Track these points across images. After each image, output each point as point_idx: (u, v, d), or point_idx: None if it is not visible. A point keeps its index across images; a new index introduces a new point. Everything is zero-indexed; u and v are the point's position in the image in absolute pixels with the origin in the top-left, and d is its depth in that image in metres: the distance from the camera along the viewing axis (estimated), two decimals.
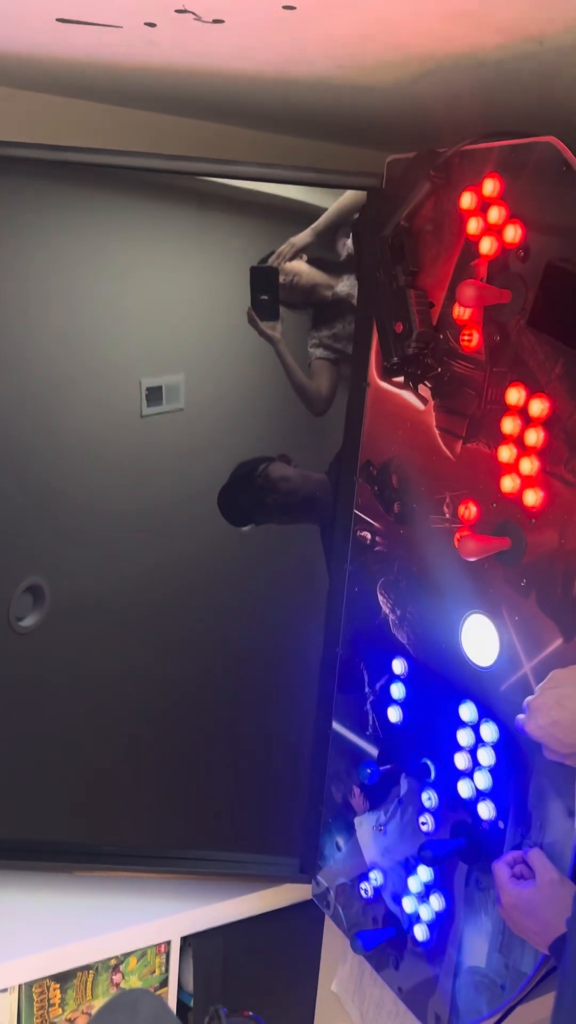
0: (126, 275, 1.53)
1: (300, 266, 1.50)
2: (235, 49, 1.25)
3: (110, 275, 1.52)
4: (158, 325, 1.55)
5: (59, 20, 1.17)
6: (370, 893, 1.50)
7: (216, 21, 1.12)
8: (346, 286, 1.52)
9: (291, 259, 1.50)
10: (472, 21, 1.06)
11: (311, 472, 1.63)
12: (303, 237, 1.51)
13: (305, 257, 1.50)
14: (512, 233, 1.16)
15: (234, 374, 1.58)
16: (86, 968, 1.66)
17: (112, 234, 1.51)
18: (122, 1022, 0.98)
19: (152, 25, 1.16)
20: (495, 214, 1.18)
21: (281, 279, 1.49)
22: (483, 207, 1.20)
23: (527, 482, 1.16)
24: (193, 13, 1.10)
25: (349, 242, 1.49)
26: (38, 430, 1.55)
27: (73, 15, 1.15)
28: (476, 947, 1.29)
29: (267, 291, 1.48)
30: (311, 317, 1.54)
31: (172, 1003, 1.77)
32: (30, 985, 1.61)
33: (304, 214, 1.50)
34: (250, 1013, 1.17)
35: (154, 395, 1.55)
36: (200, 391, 1.57)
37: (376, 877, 1.49)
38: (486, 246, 1.19)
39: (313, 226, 1.50)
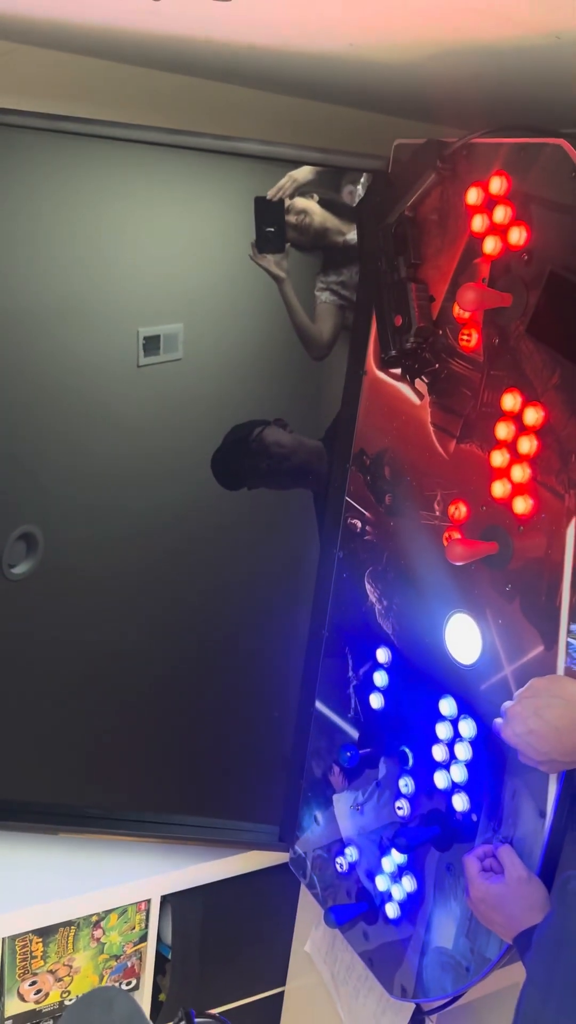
0: (125, 222, 1.50)
1: (311, 205, 1.45)
2: (241, 23, 1.20)
3: (108, 222, 1.49)
4: (157, 273, 1.53)
5: None
6: (345, 868, 1.54)
7: None
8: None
9: (293, 195, 1.45)
10: (489, 14, 1.02)
11: (306, 439, 1.62)
12: (304, 173, 1.45)
13: (316, 197, 1.46)
14: (517, 235, 1.13)
15: (234, 325, 1.56)
16: (68, 924, 1.71)
17: (110, 180, 1.47)
18: (96, 1016, 1.02)
19: None
20: (501, 213, 1.15)
21: (293, 218, 1.45)
22: (489, 204, 1.17)
23: (518, 489, 1.16)
24: None
25: (358, 188, 1.45)
26: (34, 378, 1.54)
27: None
28: (444, 929, 1.34)
29: (272, 223, 1.44)
30: (321, 260, 1.50)
31: (151, 956, 1.84)
32: (13, 938, 1.67)
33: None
34: (218, 1014, 1.22)
35: (151, 344, 1.54)
36: (199, 341, 1.55)
37: (351, 853, 1.53)
38: (490, 246, 1.17)
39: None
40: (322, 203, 1.46)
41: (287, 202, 1.44)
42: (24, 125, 1.37)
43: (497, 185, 1.15)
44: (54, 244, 1.48)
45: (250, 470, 1.62)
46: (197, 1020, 1.14)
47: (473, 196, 1.18)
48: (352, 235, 1.47)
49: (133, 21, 1.25)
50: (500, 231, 1.16)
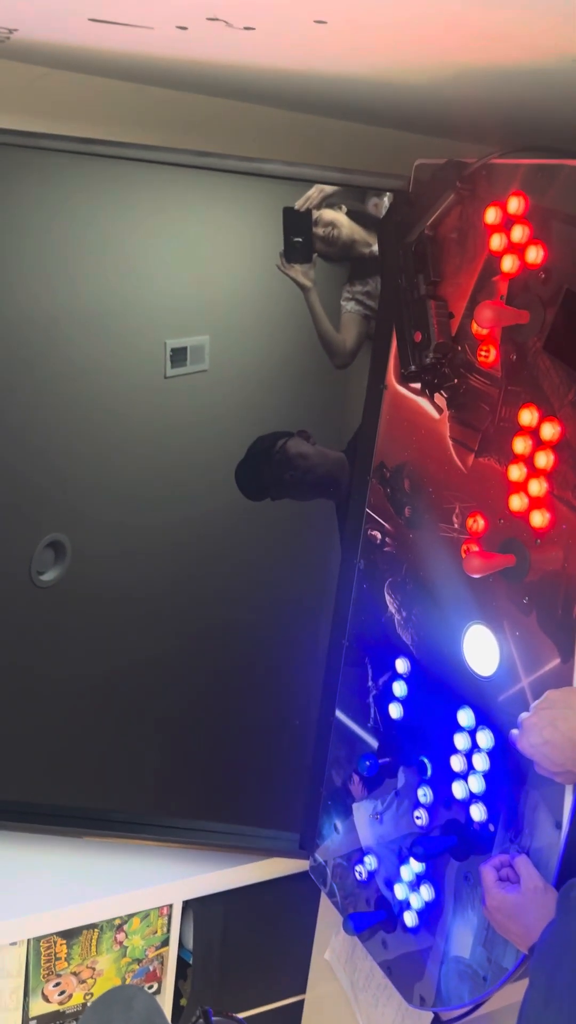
0: (154, 239, 1.54)
1: (340, 217, 1.48)
2: (264, 51, 1.24)
3: (138, 239, 1.53)
4: (185, 288, 1.57)
5: (91, 20, 1.17)
6: (364, 876, 1.56)
7: (247, 28, 1.12)
8: None
9: (320, 206, 1.47)
10: (509, 40, 1.05)
11: (329, 450, 1.64)
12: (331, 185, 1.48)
13: (345, 208, 1.48)
14: (534, 254, 1.15)
15: (259, 337, 1.59)
16: (91, 926, 1.74)
17: (140, 200, 1.52)
18: (117, 1014, 1.05)
19: (184, 28, 1.15)
20: (518, 233, 1.17)
21: (321, 230, 1.48)
22: (507, 224, 1.20)
23: (535, 503, 1.18)
24: (224, 21, 1.09)
25: (384, 199, 1.47)
26: (64, 389, 1.58)
27: (105, 16, 1.15)
28: (462, 938, 1.35)
29: (300, 234, 1.47)
30: (347, 271, 1.53)
31: (172, 960, 1.86)
32: (38, 940, 1.70)
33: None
34: (235, 1015, 1.24)
35: (179, 356, 1.57)
36: (225, 353, 1.58)
37: (370, 861, 1.55)
38: (508, 264, 1.19)
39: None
40: (350, 215, 1.49)
41: (315, 213, 1.47)
42: (59, 148, 1.41)
43: (515, 205, 1.18)
44: (86, 261, 1.53)
45: (274, 481, 1.65)
46: (214, 1018, 1.16)
47: (491, 216, 1.21)
48: (378, 247, 1.50)
49: (162, 47, 1.29)
50: (518, 250, 1.18)
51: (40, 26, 1.26)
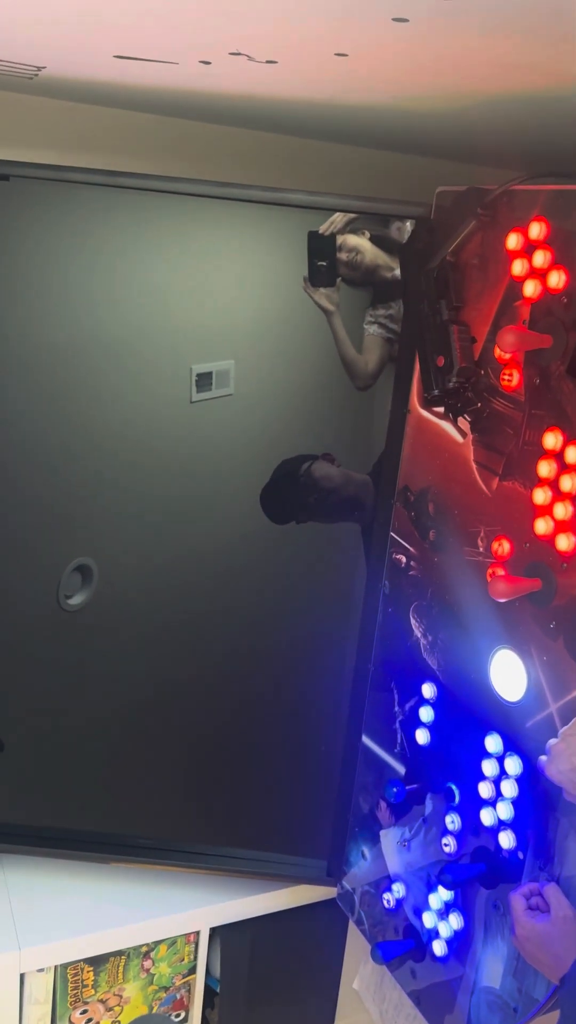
0: (179, 267, 1.56)
1: (363, 243, 1.49)
2: (287, 83, 1.26)
3: (164, 268, 1.56)
4: (210, 313, 1.59)
5: (116, 56, 1.20)
6: (392, 904, 1.54)
7: (269, 62, 1.14)
8: None
9: (344, 230, 1.49)
10: (529, 68, 1.06)
11: (354, 472, 1.65)
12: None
13: (368, 234, 1.50)
14: (556, 279, 1.16)
15: (283, 361, 1.61)
16: (119, 953, 1.74)
17: (164, 230, 1.54)
18: None
19: (207, 63, 1.17)
20: (540, 258, 1.18)
21: (344, 255, 1.49)
22: (528, 249, 1.20)
23: (560, 527, 1.17)
24: (247, 55, 1.11)
25: (407, 224, 1.48)
26: (90, 414, 1.60)
27: (130, 52, 1.17)
28: (492, 968, 1.33)
29: (324, 257, 1.48)
30: (370, 295, 1.54)
31: (200, 988, 1.85)
32: (65, 967, 1.69)
33: None
34: None
35: (204, 381, 1.59)
36: (250, 377, 1.60)
37: (398, 889, 1.53)
38: (530, 289, 1.20)
39: None
40: (373, 239, 1.50)
41: (339, 239, 1.49)
42: (85, 181, 1.44)
43: (536, 230, 1.18)
44: (113, 290, 1.56)
45: (299, 504, 1.65)
46: None
47: (513, 241, 1.21)
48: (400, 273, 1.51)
49: (186, 80, 1.32)
50: (540, 275, 1.19)
51: (67, 63, 1.29)
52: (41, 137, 1.63)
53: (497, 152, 1.61)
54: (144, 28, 1.03)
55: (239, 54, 1.10)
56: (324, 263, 1.48)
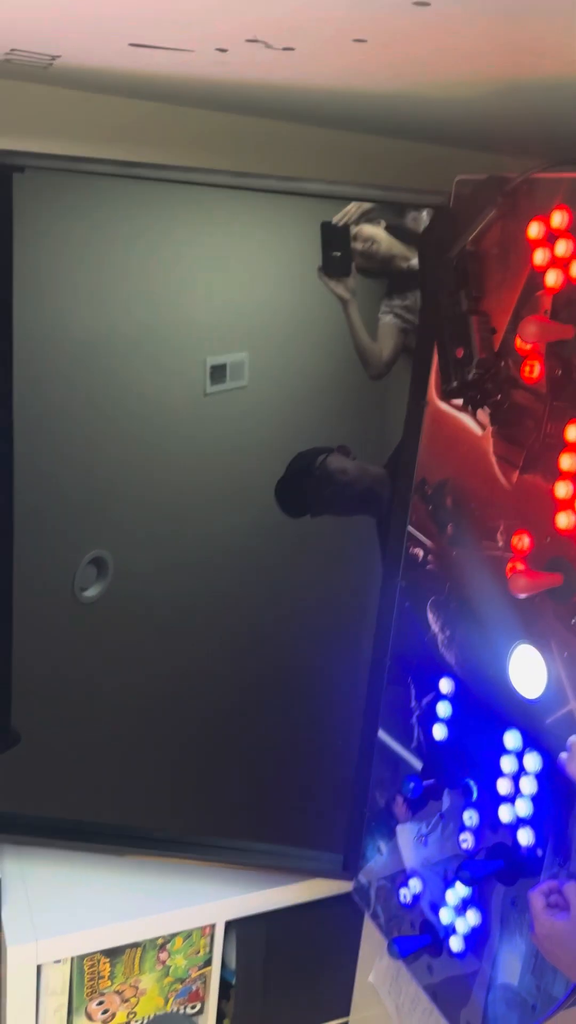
0: (193, 259, 1.56)
1: (379, 233, 1.48)
2: (304, 70, 1.24)
3: (177, 259, 1.55)
4: (224, 305, 1.58)
5: (132, 45, 1.18)
6: (409, 899, 1.54)
7: (286, 49, 1.12)
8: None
9: (358, 221, 1.47)
10: (547, 55, 1.04)
11: (370, 465, 1.64)
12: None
13: (383, 223, 1.48)
14: None
15: (298, 353, 1.60)
16: (135, 945, 1.74)
17: (179, 220, 1.53)
18: None
19: (223, 50, 1.16)
20: (562, 247, 1.16)
21: (360, 245, 1.47)
22: (550, 238, 1.18)
23: None
24: (264, 42, 1.09)
25: (423, 214, 1.46)
26: (107, 407, 1.60)
27: (146, 40, 1.16)
28: (510, 965, 1.32)
29: (338, 248, 1.47)
30: (386, 286, 1.53)
31: (215, 980, 1.85)
32: (82, 958, 1.70)
33: None
34: None
35: (218, 373, 1.58)
36: (264, 369, 1.59)
37: (415, 884, 1.52)
38: (551, 279, 1.17)
39: None
40: (388, 229, 1.49)
41: (354, 228, 1.47)
42: (100, 172, 1.43)
43: (558, 219, 1.16)
44: (128, 282, 1.55)
45: (314, 497, 1.64)
46: None
47: (534, 230, 1.19)
48: (417, 261, 1.49)
49: (202, 69, 1.30)
50: (562, 264, 1.16)
51: (82, 52, 1.27)
52: (56, 127, 1.62)
53: (518, 140, 1.59)
54: (160, 16, 1.01)
55: (256, 41, 1.09)
56: (339, 253, 1.47)
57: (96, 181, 1.46)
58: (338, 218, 1.47)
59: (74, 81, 1.52)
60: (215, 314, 1.58)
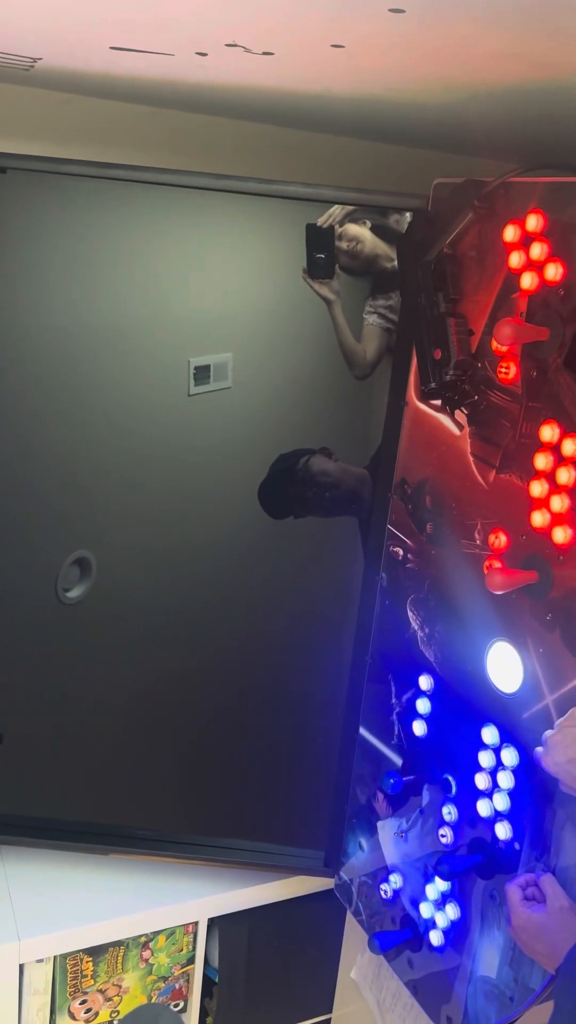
0: (176, 260, 1.56)
1: (364, 233, 1.49)
2: (283, 75, 1.25)
3: (161, 260, 1.56)
4: (207, 306, 1.58)
5: (112, 48, 1.19)
6: (389, 894, 1.55)
7: (265, 53, 1.13)
8: None
9: (343, 222, 1.49)
10: (523, 59, 1.06)
11: (351, 466, 1.65)
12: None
13: (368, 224, 1.49)
14: (553, 271, 1.16)
15: (281, 354, 1.61)
16: (117, 944, 1.75)
17: (162, 222, 1.54)
18: None
19: (203, 55, 1.17)
20: (537, 250, 1.18)
21: (344, 244, 1.49)
22: (526, 242, 1.20)
23: (557, 519, 1.18)
24: (243, 47, 1.11)
25: (405, 216, 1.48)
26: (91, 408, 1.60)
27: (125, 44, 1.17)
28: (488, 958, 1.34)
29: (322, 250, 1.48)
30: (370, 285, 1.54)
31: (198, 978, 1.86)
32: (64, 957, 1.70)
33: None
34: None
35: (202, 374, 1.59)
36: (247, 370, 1.59)
37: (396, 880, 1.54)
38: (527, 281, 1.20)
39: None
40: (373, 229, 1.50)
41: (339, 229, 1.49)
42: (81, 174, 1.44)
43: (533, 223, 1.18)
44: (111, 284, 1.55)
45: (297, 499, 1.65)
46: None
47: (510, 233, 1.21)
48: (397, 265, 1.51)
49: (183, 72, 1.31)
50: (537, 267, 1.18)
51: (63, 54, 1.28)
52: (37, 129, 1.62)
53: (495, 144, 1.61)
54: (140, 19, 1.02)
55: (235, 45, 1.10)
56: (323, 255, 1.48)
57: (78, 182, 1.47)
58: (323, 220, 1.48)
59: (56, 83, 1.53)
60: (198, 315, 1.59)
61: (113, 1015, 1.79)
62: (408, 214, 1.46)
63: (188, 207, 1.53)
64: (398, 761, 1.54)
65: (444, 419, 1.40)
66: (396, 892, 1.54)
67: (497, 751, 1.31)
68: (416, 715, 1.48)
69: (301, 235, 1.50)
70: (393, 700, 1.55)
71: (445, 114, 1.41)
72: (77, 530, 1.66)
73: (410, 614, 1.50)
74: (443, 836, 1.41)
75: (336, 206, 1.48)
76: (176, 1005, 1.86)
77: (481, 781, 1.33)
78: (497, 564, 1.27)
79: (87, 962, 1.73)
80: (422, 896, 1.47)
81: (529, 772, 1.26)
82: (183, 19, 1.00)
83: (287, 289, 1.54)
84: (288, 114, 1.61)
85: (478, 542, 1.33)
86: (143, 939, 1.77)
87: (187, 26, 1.03)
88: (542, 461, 1.19)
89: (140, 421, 1.61)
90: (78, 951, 1.71)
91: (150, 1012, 1.14)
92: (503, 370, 1.26)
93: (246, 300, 1.58)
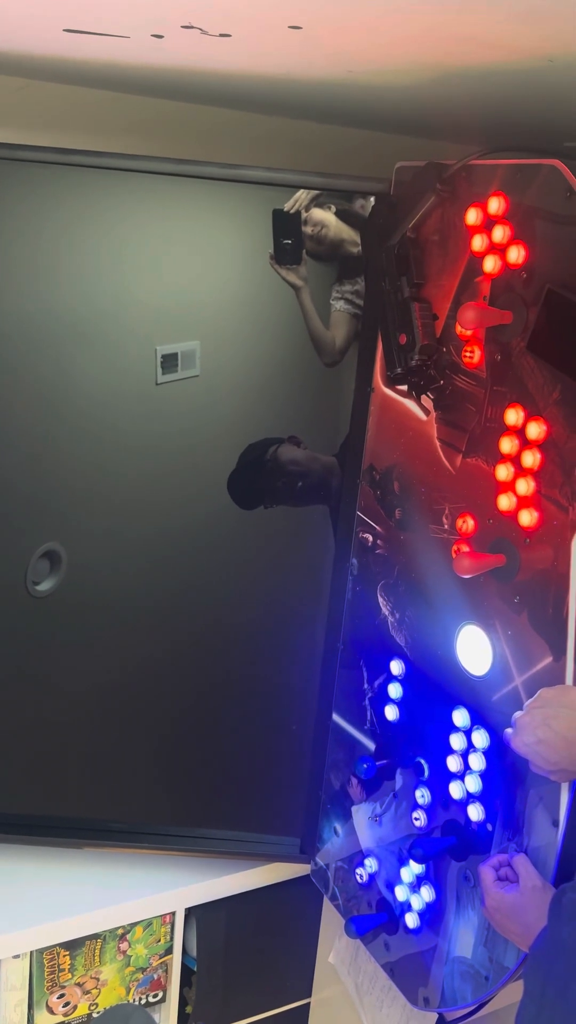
0: (140, 247, 1.54)
1: (328, 217, 1.48)
2: (241, 57, 1.24)
3: (124, 247, 1.54)
4: (174, 294, 1.57)
5: (66, 30, 1.17)
6: (365, 878, 1.56)
7: (223, 35, 1.12)
8: None
9: (309, 207, 1.47)
10: (484, 42, 1.05)
11: (320, 455, 1.64)
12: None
13: (333, 208, 1.49)
14: (515, 254, 1.16)
15: (249, 341, 1.59)
16: (94, 937, 1.74)
17: (124, 208, 1.52)
18: None
19: (160, 37, 1.15)
20: (499, 233, 1.18)
21: (310, 229, 1.48)
22: (488, 225, 1.20)
23: (523, 502, 1.18)
24: (200, 28, 1.09)
25: (369, 200, 1.47)
26: (56, 398, 1.58)
27: (80, 26, 1.15)
28: (463, 938, 1.35)
29: (289, 235, 1.47)
30: (336, 271, 1.53)
31: (177, 968, 1.86)
32: (41, 952, 1.70)
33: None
34: None
35: (169, 362, 1.57)
36: (216, 358, 1.58)
37: (371, 864, 1.55)
38: (490, 265, 1.19)
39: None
40: (338, 214, 1.49)
41: (304, 214, 1.47)
42: (39, 160, 1.42)
43: (495, 205, 1.18)
44: (73, 271, 1.53)
45: (266, 489, 1.64)
46: None
47: (472, 216, 1.21)
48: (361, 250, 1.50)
49: (139, 55, 1.29)
50: (499, 250, 1.18)
51: (15, 38, 1.25)
52: None
53: (457, 127, 1.61)
54: (94, 0, 1.00)
55: (191, 27, 1.08)
56: (290, 241, 1.47)
57: (35, 169, 1.44)
58: (289, 205, 1.47)
59: (8, 67, 1.50)
60: (165, 303, 1.57)
61: (92, 1008, 1.79)
62: (372, 198, 1.45)
63: (152, 193, 1.51)
64: (371, 746, 1.55)
65: (411, 404, 1.40)
66: (371, 876, 1.55)
67: (468, 734, 1.32)
68: (388, 700, 1.49)
69: (267, 221, 1.49)
70: (365, 686, 1.55)
71: (407, 97, 1.40)
72: (46, 523, 1.64)
73: (380, 600, 1.50)
74: (417, 819, 1.42)
75: (301, 191, 1.47)
76: (155, 996, 1.86)
77: (453, 764, 1.34)
78: (465, 548, 1.27)
79: (64, 956, 1.73)
80: (397, 879, 1.48)
81: (500, 754, 1.27)
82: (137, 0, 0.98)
83: (254, 276, 1.53)
84: (249, 98, 1.59)
85: (446, 527, 1.33)
86: (120, 931, 1.77)
87: (141, 7, 1.02)
88: (507, 445, 1.19)
89: (107, 411, 1.59)
90: (55, 945, 1.70)
91: (121, 1012, 1.14)
92: (468, 354, 1.26)
93: (213, 287, 1.57)
